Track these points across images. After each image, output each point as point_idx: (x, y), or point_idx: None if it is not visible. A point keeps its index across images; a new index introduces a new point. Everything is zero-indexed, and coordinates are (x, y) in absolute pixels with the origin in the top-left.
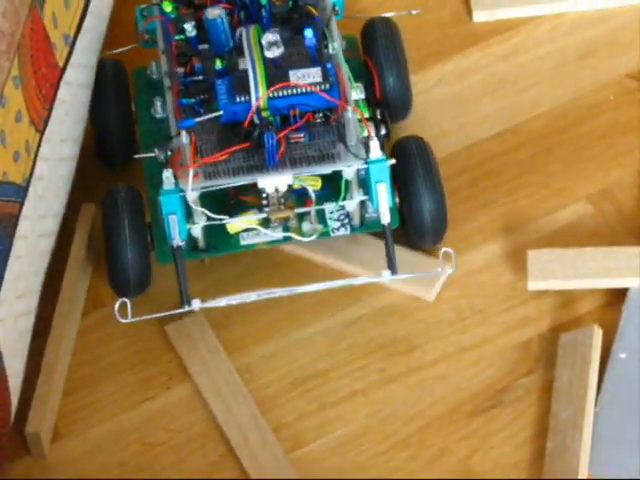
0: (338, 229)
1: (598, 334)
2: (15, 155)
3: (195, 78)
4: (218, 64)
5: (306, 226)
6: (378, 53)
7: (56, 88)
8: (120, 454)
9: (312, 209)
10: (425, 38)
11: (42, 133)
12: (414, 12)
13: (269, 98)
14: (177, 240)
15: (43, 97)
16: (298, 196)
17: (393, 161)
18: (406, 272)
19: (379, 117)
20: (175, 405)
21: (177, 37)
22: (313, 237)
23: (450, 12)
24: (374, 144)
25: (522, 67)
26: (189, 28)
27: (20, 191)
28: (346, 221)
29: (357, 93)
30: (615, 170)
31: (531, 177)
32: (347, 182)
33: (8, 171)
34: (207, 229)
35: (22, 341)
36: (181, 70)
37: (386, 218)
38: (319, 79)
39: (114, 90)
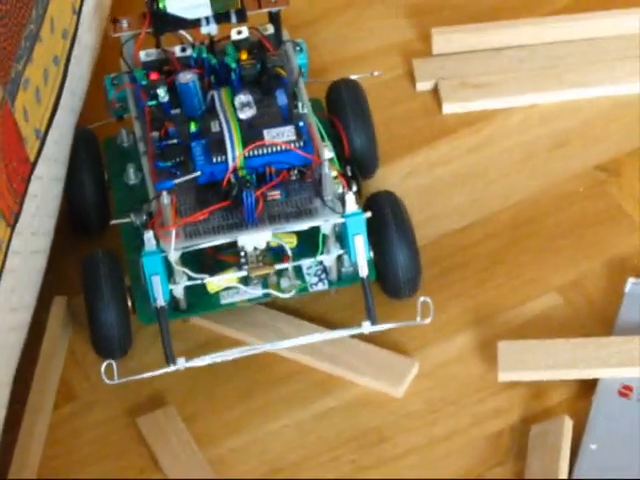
0: (316, 284)
1: (569, 425)
2: None
3: (170, 142)
4: (192, 127)
5: (284, 283)
6: (345, 112)
7: (27, 182)
8: None
9: (289, 265)
10: (395, 131)
11: (13, 227)
12: (376, 73)
13: (245, 157)
14: (160, 300)
15: (14, 191)
16: (275, 254)
17: (369, 214)
18: (372, 368)
19: (349, 174)
20: None
21: (150, 103)
22: (292, 293)
23: (420, 104)
24: (350, 198)
25: (492, 159)
26: (162, 93)
27: None
28: (323, 276)
29: (327, 151)
30: (585, 261)
31: (501, 268)
32: (324, 237)
33: None
34: (187, 289)
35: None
36: (156, 134)
37: (364, 271)
38: (293, 137)
39: (86, 159)
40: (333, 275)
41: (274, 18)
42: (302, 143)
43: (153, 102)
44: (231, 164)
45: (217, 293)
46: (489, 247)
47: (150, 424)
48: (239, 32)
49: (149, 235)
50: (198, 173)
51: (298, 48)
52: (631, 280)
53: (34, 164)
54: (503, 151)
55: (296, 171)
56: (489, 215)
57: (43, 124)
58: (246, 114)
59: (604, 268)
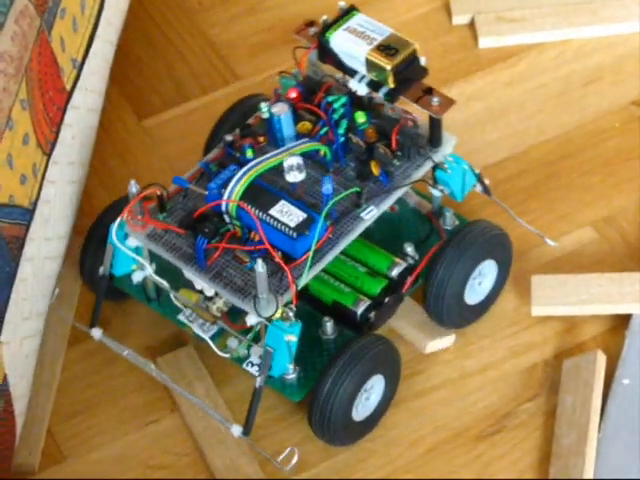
0: (252, 365)
1: (602, 360)
2: (22, 178)
3: (232, 152)
4: (249, 153)
5: (232, 343)
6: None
7: (63, 111)
8: (123, 476)
9: (230, 331)
10: (432, 64)
11: (49, 156)
12: None
13: (239, 208)
14: (104, 270)
15: (50, 120)
16: (238, 312)
17: (295, 338)
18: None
19: None
20: (179, 428)
21: (263, 110)
22: (226, 356)
23: (456, 38)
24: (289, 312)
25: (527, 94)
26: (264, 109)
27: (27, 214)
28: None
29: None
30: (619, 197)
31: (535, 203)
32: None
33: (15, 194)
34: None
35: (27, 363)
36: (231, 138)
37: (259, 381)
38: (293, 224)
39: None
40: (260, 375)
41: (432, 122)
42: (295, 235)
43: (265, 113)
44: (221, 201)
45: (183, 307)
46: (523, 182)
47: (170, 363)
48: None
49: (125, 215)
50: (205, 192)
51: (446, 167)
52: None
53: (70, 93)
54: (538, 86)
55: (280, 253)
56: (523, 150)
57: (80, 53)
58: (292, 177)
59: (638, 204)
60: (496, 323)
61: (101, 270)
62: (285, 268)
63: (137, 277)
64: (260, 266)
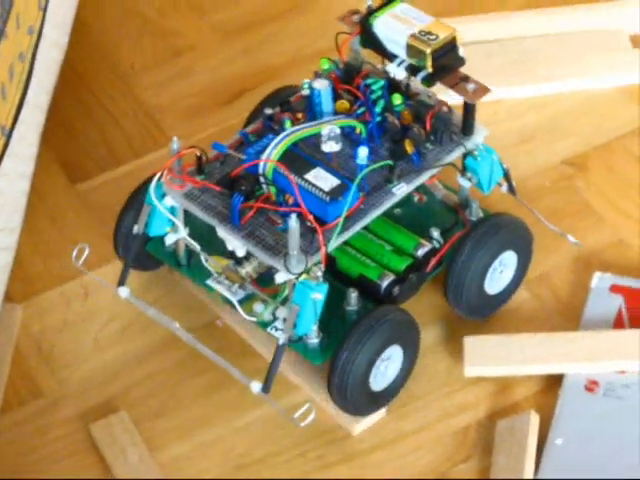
0: (275, 330)
1: (535, 420)
2: None
3: (269, 123)
4: (287, 124)
5: (258, 307)
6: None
7: None
8: None
9: (255, 292)
10: None
11: None
12: None
13: (275, 170)
14: (138, 228)
15: None
16: (269, 277)
17: (321, 296)
18: None
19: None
20: None
21: (305, 86)
22: (252, 319)
23: None
24: (316, 271)
25: None
26: (305, 86)
27: None
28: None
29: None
30: (551, 255)
31: None
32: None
33: None
34: (191, 250)
35: None
36: (271, 111)
37: (282, 338)
38: (327, 189)
39: None
40: (284, 333)
41: (466, 108)
42: (328, 199)
43: (306, 89)
44: (257, 161)
45: (213, 271)
46: None
47: (103, 430)
48: (429, 96)
49: (162, 173)
50: (244, 156)
51: (477, 154)
52: (597, 274)
53: None
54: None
55: (312, 217)
56: None
57: (9, 121)
58: (328, 147)
59: (571, 262)
60: (430, 384)
61: (135, 228)
62: (317, 228)
63: (170, 240)
64: (294, 221)
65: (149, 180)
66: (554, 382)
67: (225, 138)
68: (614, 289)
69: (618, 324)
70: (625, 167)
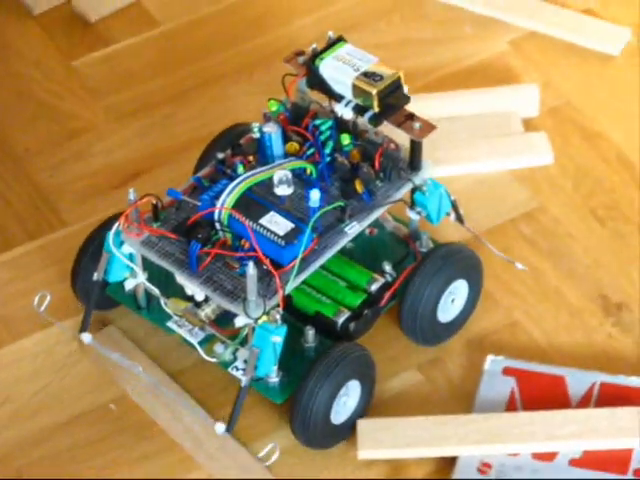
0: (237, 369)
1: None
2: None
3: (223, 168)
4: (240, 169)
5: (218, 348)
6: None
7: None
8: None
9: (218, 335)
10: None
11: None
12: None
13: (231, 216)
14: (98, 275)
15: None
16: (224, 320)
17: (280, 339)
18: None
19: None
20: None
21: (255, 130)
22: (212, 360)
23: None
24: (274, 315)
25: None
26: (255, 129)
27: None
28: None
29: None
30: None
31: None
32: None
33: None
34: (149, 294)
35: None
36: (222, 155)
37: (244, 380)
38: (281, 233)
39: None
40: (246, 375)
41: (413, 145)
42: (283, 243)
43: (256, 132)
44: (213, 208)
45: (173, 313)
46: None
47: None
48: (376, 133)
49: (120, 222)
50: (199, 203)
51: (425, 189)
52: (490, 357)
53: None
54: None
55: (268, 260)
56: None
57: None
58: (280, 191)
59: (464, 345)
60: (323, 466)
61: (95, 276)
62: (274, 272)
63: (129, 285)
64: (251, 268)
65: (102, 227)
66: (447, 464)
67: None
68: (507, 372)
69: (511, 407)
70: (517, 249)
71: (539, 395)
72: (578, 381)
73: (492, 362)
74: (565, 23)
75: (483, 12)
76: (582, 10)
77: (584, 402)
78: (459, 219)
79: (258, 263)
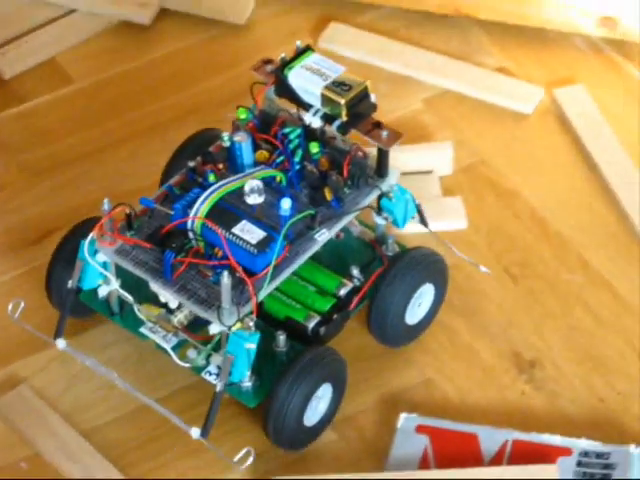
0: (210, 374)
1: None
2: None
3: (193, 177)
4: (211, 178)
5: (191, 354)
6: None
7: None
8: None
9: (191, 341)
10: None
11: None
12: None
13: (204, 225)
14: (72, 283)
15: None
16: (201, 324)
17: (254, 346)
18: None
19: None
20: None
21: (225, 139)
22: (186, 365)
23: None
24: (248, 322)
25: None
26: (225, 138)
27: None
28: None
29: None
30: (359, 396)
31: None
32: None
33: None
34: (123, 299)
35: None
36: (193, 164)
37: (219, 386)
38: (254, 242)
39: None
40: (220, 381)
41: (380, 153)
42: (255, 251)
43: (226, 141)
44: (186, 218)
45: (146, 319)
46: None
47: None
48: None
49: (92, 232)
50: (171, 212)
51: (391, 195)
52: (403, 415)
53: None
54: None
55: (241, 268)
56: None
57: None
58: (251, 200)
59: (378, 403)
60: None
61: (70, 283)
62: (247, 280)
63: (102, 292)
64: (226, 277)
65: (72, 233)
66: None
67: (34, 278)
68: (420, 429)
69: (424, 464)
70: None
71: (452, 453)
72: (491, 438)
73: (405, 420)
74: (479, 81)
75: (398, 70)
76: (496, 69)
77: (497, 459)
78: (423, 223)
79: (231, 271)
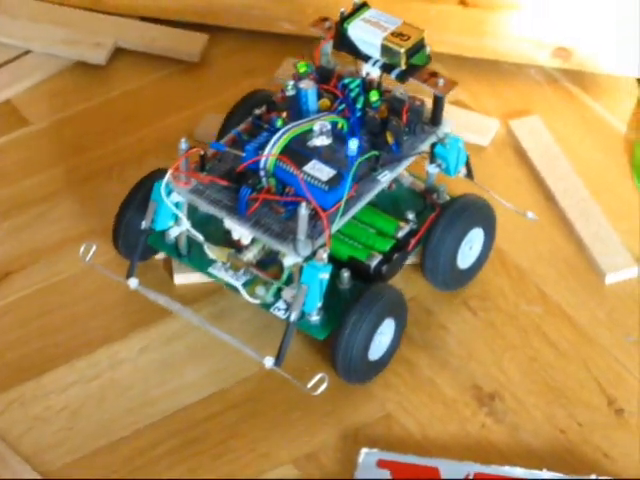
0: (279, 310)
1: None
2: None
3: (261, 123)
4: (279, 123)
5: (260, 290)
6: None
7: None
8: None
9: (260, 275)
10: (119, 309)
11: None
12: None
13: (277, 164)
14: (146, 223)
15: None
16: (271, 261)
17: (327, 276)
18: None
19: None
20: None
21: (289, 87)
22: (255, 302)
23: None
24: (322, 253)
25: (229, 331)
26: (290, 87)
27: None
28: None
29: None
30: (320, 433)
31: (236, 442)
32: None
33: None
34: (191, 241)
35: None
36: (259, 111)
37: (293, 315)
38: (325, 179)
39: None
40: (294, 310)
41: (436, 101)
42: (327, 188)
43: (291, 90)
44: (259, 157)
45: (215, 261)
46: (225, 420)
47: None
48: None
49: (169, 172)
50: (243, 154)
51: (447, 142)
52: (364, 450)
53: None
54: (243, 321)
55: (312, 205)
56: (226, 388)
57: None
58: (319, 141)
59: (338, 439)
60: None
61: (143, 224)
62: (321, 213)
63: (174, 232)
64: (304, 209)
65: (147, 178)
66: None
67: None
68: (381, 464)
69: None
70: None
71: None
72: (452, 472)
73: (366, 455)
74: None
75: None
76: (452, 102)
77: None
78: (469, 174)
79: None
